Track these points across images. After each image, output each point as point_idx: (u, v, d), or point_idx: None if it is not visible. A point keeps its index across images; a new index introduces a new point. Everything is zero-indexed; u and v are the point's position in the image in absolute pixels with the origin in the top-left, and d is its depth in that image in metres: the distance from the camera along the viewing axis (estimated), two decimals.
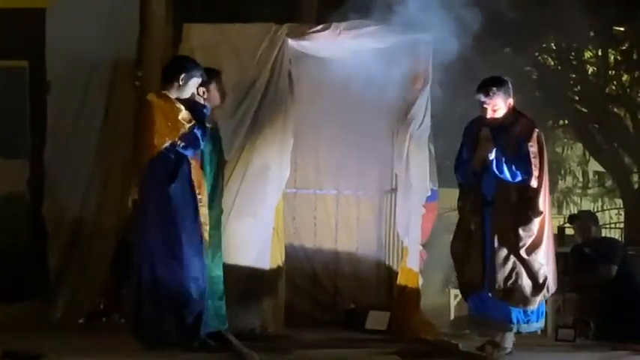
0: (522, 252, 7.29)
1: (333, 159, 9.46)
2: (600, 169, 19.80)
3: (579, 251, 9.21)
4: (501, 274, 7.31)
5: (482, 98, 7.42)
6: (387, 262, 9.33)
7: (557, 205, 23.16)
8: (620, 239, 15.88)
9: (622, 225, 18.85)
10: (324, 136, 9.34)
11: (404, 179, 8.87)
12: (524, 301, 7.35)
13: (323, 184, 9.59)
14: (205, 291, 7.09)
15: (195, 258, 7.04)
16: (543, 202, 7.33)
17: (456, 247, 7.62)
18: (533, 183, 7.27)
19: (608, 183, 20.80)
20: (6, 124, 9.24)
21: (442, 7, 8.02)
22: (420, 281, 8.84)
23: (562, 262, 9.65)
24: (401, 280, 8.82)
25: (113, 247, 8.91)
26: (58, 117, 9.14)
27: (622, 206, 18.37)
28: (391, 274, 9.20)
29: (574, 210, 21.23)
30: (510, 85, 7.46)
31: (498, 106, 7.42)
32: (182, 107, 7.03)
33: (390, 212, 9.34)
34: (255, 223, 8.30)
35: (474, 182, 7.51)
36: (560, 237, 16.68)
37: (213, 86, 7.64)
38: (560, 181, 22.58)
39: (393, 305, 8.87)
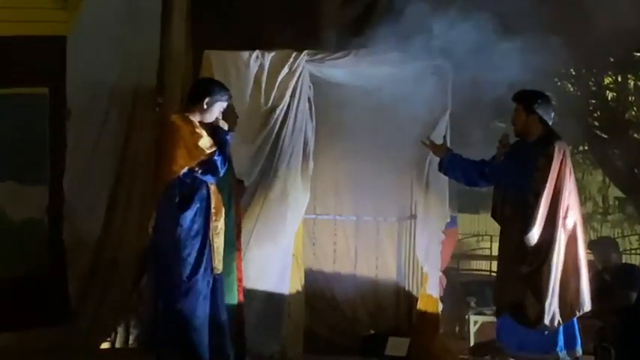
0: (524, 268, 7.11)
1: (353, 185, 9.47)
2: (621, 194, 19.68)
3: (599, 278, 9.16)
4: (509, 292, 7.19)
5: None
6: (406, 288, 9.32)
7: None
8: None
9: None
10: (343, 162, 9.35)
11: (423, 205, 8.88)
12: (530, 320, 7.14)
13: (342, 210, 9.60)
14: (214, 319, 6.94)
15: (199, 286, 6.82)
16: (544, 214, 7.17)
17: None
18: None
19: (629, 209, 20.67)
20: (26, 150, 9.25)
21: (461, 33, 8.02)
22: (440, 307, 8.82)
23: None
24: (420, 305, 8.80)
25: (134, 272, 8.92)
26: (77, 143, 9.16)
27: None
28: (411, 299, 9.19)
29: (594, 236, 21.12)
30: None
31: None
32: (203, 133, 6.83)
33: (409, 238, 9.34)
34: (275, 248, 8.30)
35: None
36: None
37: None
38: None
39: (413, 331, 8.85)
